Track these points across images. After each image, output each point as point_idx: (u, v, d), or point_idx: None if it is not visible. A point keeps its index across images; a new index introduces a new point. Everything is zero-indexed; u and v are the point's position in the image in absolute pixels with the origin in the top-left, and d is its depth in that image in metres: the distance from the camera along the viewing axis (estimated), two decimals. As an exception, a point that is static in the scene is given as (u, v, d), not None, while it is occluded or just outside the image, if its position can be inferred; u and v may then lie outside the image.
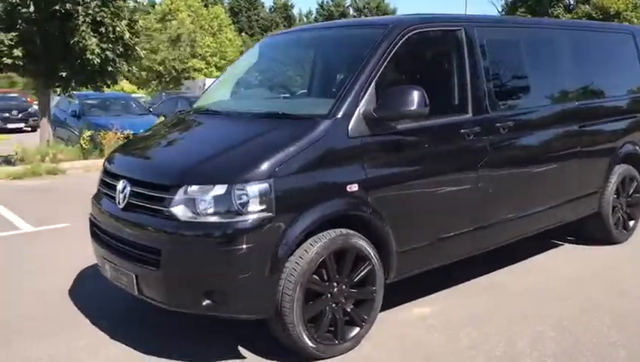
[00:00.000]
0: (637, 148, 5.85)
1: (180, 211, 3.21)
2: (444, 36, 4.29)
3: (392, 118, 3.61)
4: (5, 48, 11.70)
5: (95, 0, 11.96)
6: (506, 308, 4.26)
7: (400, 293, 4.28)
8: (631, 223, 5.97)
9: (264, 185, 3.17)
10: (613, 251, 5.63)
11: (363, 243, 3.56)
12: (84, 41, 12.07)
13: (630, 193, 5.89)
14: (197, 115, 4.40)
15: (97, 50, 12.23)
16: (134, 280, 3.43)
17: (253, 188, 3.15)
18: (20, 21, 11.65)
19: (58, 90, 13.15)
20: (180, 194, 3.22)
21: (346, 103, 3.55)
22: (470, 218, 4.26)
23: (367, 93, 3.60)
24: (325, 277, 3.46)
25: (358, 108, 3.55)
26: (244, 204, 3.14)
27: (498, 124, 4.37)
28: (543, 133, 4.84)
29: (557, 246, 5.82)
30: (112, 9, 12.38)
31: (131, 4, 13.22)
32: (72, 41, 12.04)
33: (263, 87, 4.51)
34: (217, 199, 3.16)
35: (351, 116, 3.52)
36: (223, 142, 3.66)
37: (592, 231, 5.79)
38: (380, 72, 3.70)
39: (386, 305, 3.96)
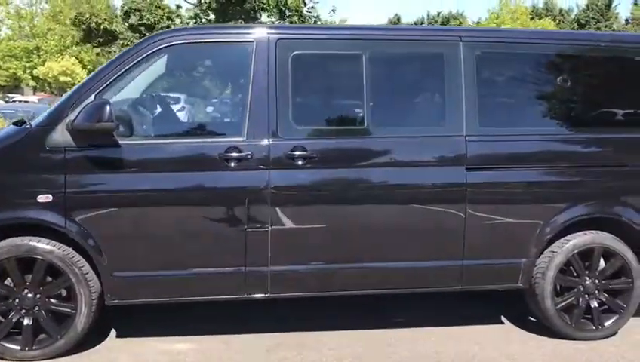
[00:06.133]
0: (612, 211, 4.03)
1: None
2: (219, 49, 3.81)
3: (84, 131, 3.46)
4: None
5: None
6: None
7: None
8: (609, 320, 4.07)
9: None
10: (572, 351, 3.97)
11: (56, 256, 3.50)
12: None
13: (607, 274, 4.05)
14: None
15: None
16: None
17: None
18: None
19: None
20: None
21: (52, 113, 3.58)
22: (231, 258, 3.69)
23: (82, 105, 3.51)
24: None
25: (65, 120, 3.51)
26: None
27: (292, 153, 3.65)
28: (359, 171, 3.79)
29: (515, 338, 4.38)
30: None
31: None
32: None
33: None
34: None
35: (54, 127, 3.51)
36: None
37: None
38: (107, 84, 3.57)
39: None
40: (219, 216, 3.67)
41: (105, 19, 18.27)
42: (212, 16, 17.21)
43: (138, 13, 17.03)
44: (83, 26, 18.57)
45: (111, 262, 3.58)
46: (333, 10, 22.45)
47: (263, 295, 3.79)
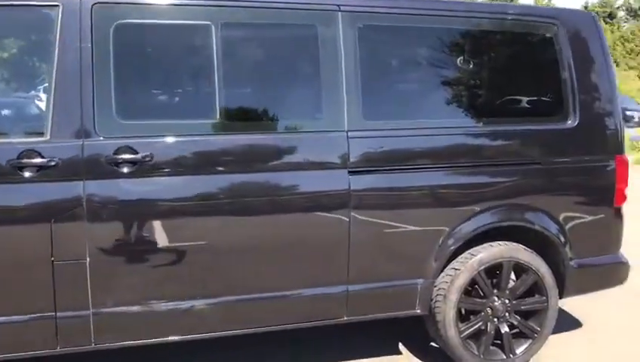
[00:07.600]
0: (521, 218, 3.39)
1: None
2: (12, 16, 2.78)
3: None
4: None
5: None
6: None
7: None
8: (522, 346, 3.45)
9: None
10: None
11: None
12: None
13: (519, 293, 3.42)
14: None
15: None
16: None
17: None
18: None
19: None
20: None
21: None
22: (34, 301, 2.73)
23: None
24: None
25: None
26: None
27: (116, 157, 2.72)
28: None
29: None
30: None
31: None
32: None
33: None
34: None
35: None
36: None
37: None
38: None
39: None
40: (11, 246, 2.67)
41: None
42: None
43: None
44: None
45: None
46: None
47: (87, 347, 2.85)
